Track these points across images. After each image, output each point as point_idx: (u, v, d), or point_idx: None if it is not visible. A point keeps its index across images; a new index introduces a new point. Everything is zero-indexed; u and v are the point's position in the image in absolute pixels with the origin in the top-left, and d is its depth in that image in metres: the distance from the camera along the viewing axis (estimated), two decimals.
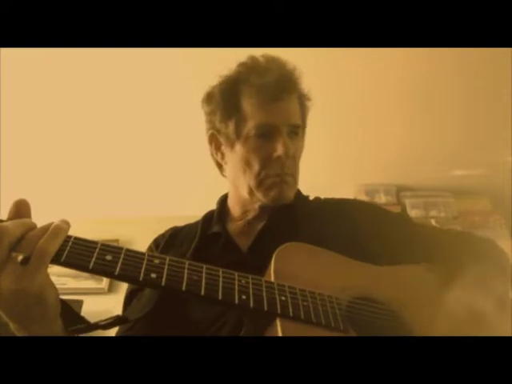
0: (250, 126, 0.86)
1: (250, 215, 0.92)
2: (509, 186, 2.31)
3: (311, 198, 1.00)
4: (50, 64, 1.92)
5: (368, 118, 2.24)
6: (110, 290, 2.67)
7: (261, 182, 0.86)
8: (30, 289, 0.52)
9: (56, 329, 0.59)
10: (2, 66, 1.83)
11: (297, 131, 0.90)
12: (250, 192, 0.88)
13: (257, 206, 0.90)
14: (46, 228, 0.55)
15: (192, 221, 1.00)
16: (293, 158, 0.87)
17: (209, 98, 0.94)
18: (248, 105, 0.87)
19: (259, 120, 0.85)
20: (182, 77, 2.01)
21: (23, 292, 0.52)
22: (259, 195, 0.87)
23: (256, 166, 0.86)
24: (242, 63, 0.92)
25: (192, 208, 1.77)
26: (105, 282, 2.68)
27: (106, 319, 0.66)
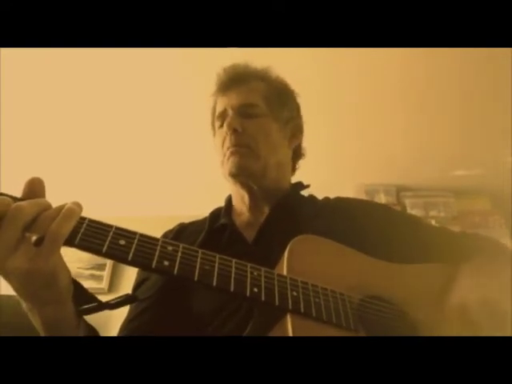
0: (215, 121, 1.00)
1: (247, 200, 0.94)
2: (509, 185, 2.31)
3: (320, 197, 1.01)
4: (50, 64, 1.92)
5: (368, 118, 2.24)
6: (110, 289, 2.67)
7: (222, 162, 0.95)
8: (44, 270, 0.52)
9: (68, 312, 0.59)
10: (1, 66, 1.83)
11: (252, 110, 0.95)
12: (224, 175, 0.95)
13: (239, 188, 0.94)
14: (60, 209, 0.55)
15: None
16: (244, 133, 0.92)
17: None
18: (216, 106, 1.01)
19: (216, 113, 0.99)
20: (183, 77, 2.01)
21: (37, 273, 0.52)
22: (224, 173, 0.94)
23: (219, 150, 0.96)
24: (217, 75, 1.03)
25: (193, 208, 1.77)
26: (105, 281, 2.68)
27: (116, 298, 0.66)
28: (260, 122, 0.94)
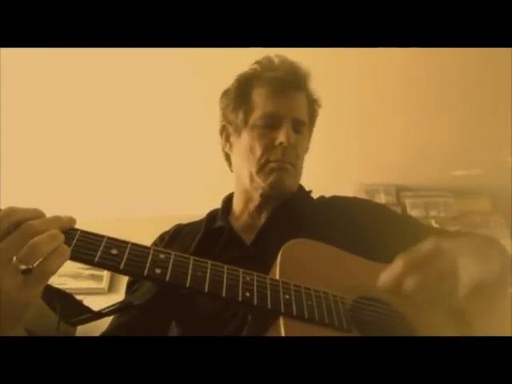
0: (256, 116, 0.92)
1: (252, 206, 0.93)
2: (509, 185, 2.31)
3: (315, 197, 1.01)
4: (50, 64, 1.92)
5: (368, 118, 2.24)
6: (110, 289, 2.67)
7: (261, 167, 0.90)
8: (21, 302, 0.50)
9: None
10: (2, 66, 1.83)
11: (300, 128, 0.93)
12: (251, 178, 0.92)
13: (258, 194, 0.92)
14: (52, 237, 0.52)
15: (192, 220, 1.01)
16: (294, 149, 0.91)
17: (225, 93, 1.01)
18: (257, 95, 0.93)
19: (265, 110, 0.91)
20: (182, 77, 2.01)
21: (14, 301, 0.49)
22: (259, 180, 0.90)
23: (258, 152, 0.90)
24: (257, 61, 0.98)
25: (193, 208, 1.77)
26: (105, 281, 2.68)
27: (110, 306, 0.66)
28: (303, 141, 0.95)
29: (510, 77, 1.86)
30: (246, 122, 0.93)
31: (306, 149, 1.00)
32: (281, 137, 0.88)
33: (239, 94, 0.95)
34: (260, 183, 0.90)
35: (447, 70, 1.98)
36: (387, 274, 0.61)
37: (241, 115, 0.94)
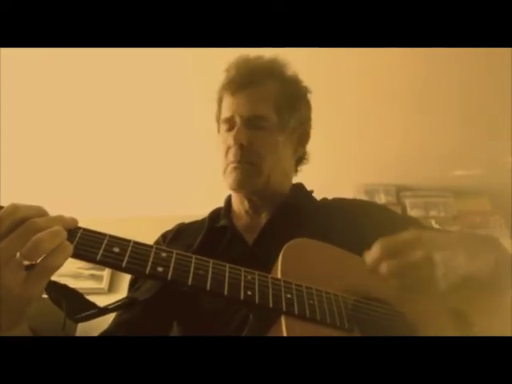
0: (220, 122, 0.97)
1: (246, 206, 0.94)
2: (509, 185, 2.31)
3: (318, 198, 1.01)
4: (50, 64, 1.93)
5: (368, 118, 2.24)
6: (110, 289, 2.67)
7: (224, 171, 0.93)
8: (23, 297, 0.50)
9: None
10: (1, 66, 1.83)
11: (261, 123, 0.91)
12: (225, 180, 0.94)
13: (242, 196, 0.94)
14: (55, 233, 0.52)
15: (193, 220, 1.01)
16: (249, 148, 0.89)
17: None
18: (223, 101, 0.97)
19: (223, 116, 0.95)
20: (183, 77, 2.01)
21: (16, 298, 0.50)
22: (225, 182, 0.93)
23: (222, 157, 0.94)
24: (227, 66, 0.98)
25: (193, 208, 1.77)
26: (105, 281, 2.68)
27: (115, 302, 0.66)
28: (267, 136, 0.91)
29: (510, 77, 1.86)
30: (218, 129, 0.99)
31: (279, 142, 0.94)
32: (229, 139, 0.90)
33: (217, 103, 1.00)
34: (227, 185, 0.93)
35: (447, 70, 1.98)
36: (367, 257, 0.62)
37: (216, 123, 1.00)
